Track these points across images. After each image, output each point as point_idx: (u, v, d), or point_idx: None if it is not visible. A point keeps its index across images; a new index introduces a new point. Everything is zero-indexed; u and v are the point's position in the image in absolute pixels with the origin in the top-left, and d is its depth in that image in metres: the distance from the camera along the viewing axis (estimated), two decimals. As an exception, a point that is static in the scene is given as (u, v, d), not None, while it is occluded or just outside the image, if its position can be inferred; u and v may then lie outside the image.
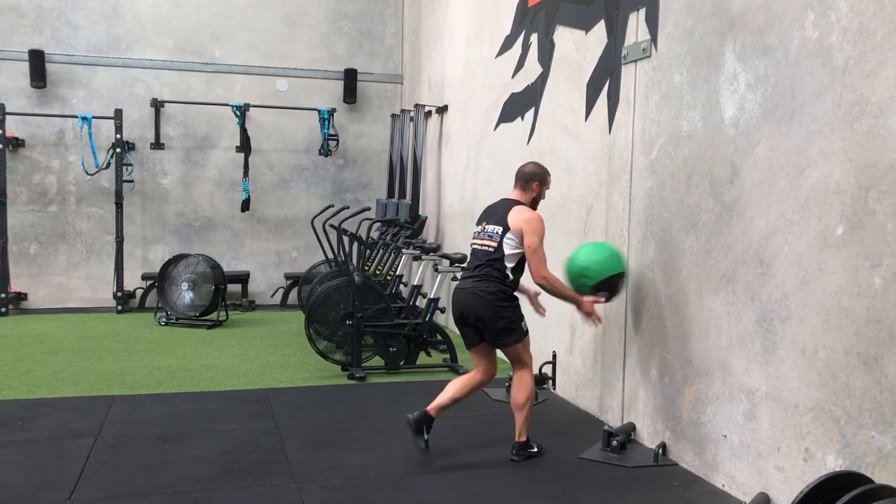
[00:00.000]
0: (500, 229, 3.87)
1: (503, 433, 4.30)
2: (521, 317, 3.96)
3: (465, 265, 4.14)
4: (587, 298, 4.02)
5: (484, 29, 6.83)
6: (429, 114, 8.47)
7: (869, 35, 2.79)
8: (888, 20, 2.71)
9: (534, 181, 3.99)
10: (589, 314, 4.06)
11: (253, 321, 8.16)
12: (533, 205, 4.02)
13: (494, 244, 3.87)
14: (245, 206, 8.98)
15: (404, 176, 8.64)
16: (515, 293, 3.94)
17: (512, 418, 3.99)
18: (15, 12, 8.47)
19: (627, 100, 4.38)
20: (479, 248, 3.95)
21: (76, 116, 8.44)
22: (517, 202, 3.96)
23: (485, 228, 3.96)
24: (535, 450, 4.00)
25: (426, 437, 3.88)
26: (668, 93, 4.01)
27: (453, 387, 3.99)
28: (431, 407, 3.92)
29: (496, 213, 3.96)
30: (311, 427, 4.46)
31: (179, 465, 3.78)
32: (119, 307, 8.54)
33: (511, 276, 3.88)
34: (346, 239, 6.48)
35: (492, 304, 3.83)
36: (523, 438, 3.96)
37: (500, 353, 4.07)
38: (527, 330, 3.98)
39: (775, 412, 3.24)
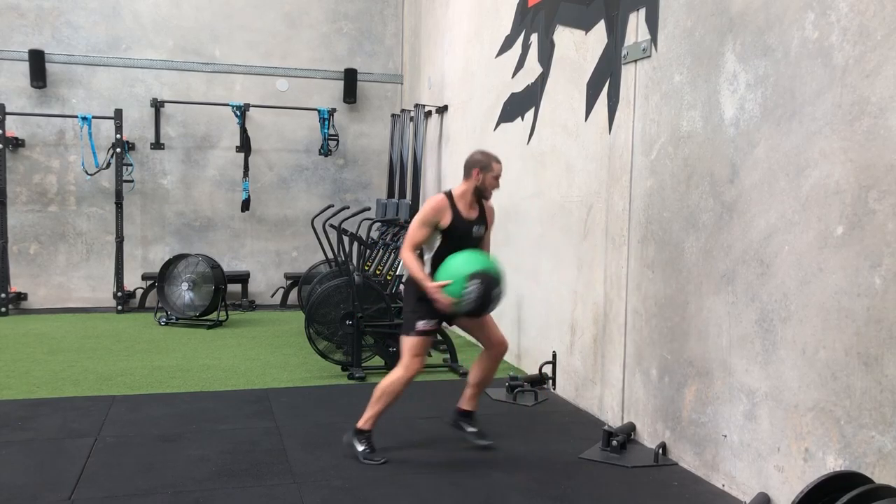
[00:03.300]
0: None
1: (504, 433, 4.30)
2: (417, 311, 3.81)
3: None
4: (432, 284, 3.72)
5: (484, 29, 6.83)
6: (429, 114, 8.47)
7: (869, 35, 2.79)
8: (888, 20, 2.72)
9: (473, 168, 3.88)
10: (435, 299, 3.74)
11: (253, 321, 8.16)
12: (481, 194, 3.91)
13: None
14: (245, 206, 8.98)
15: (404, 176, 8.64)
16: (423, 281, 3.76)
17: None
18: (15, 12, 8.47)
19: (627, 100, 4.38)
20: None
21: (76, 116, 8.44)
22: (443, 192, 3.94)
23: None
24: (364, 448, 3.90)
25: (472, 429, 4.08)
26: (668, 93, 4.01)
27: (476, 373, 4.08)
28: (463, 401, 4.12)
29: None
30: (311, 427, 4.46)
31: (179, 465, 3.78)
32: (119, 307, 8.54)
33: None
34: (346, 239, 6.48)
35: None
36: (364, 426, 3.93)
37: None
38: (418, 331, 3.82)
39: (775, 412, 3.24)
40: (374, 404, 3.90)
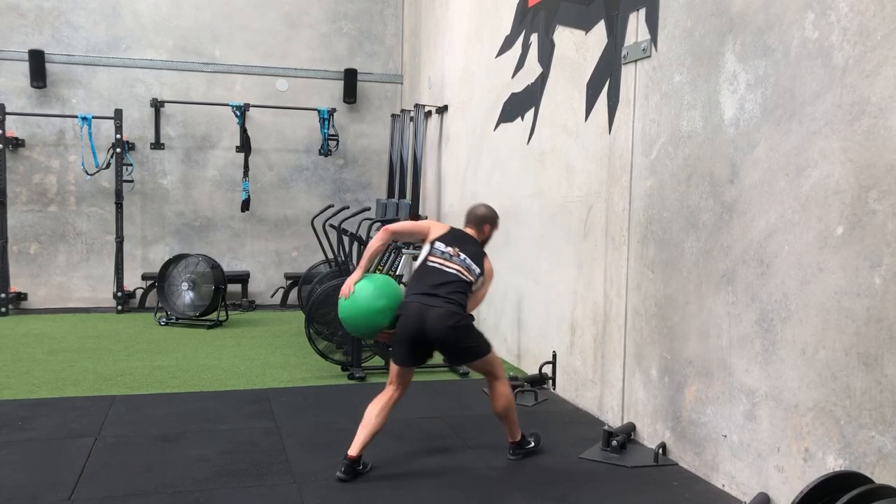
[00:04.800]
0: (478, 271, 3.90)
1: (504, 433, 4.30)
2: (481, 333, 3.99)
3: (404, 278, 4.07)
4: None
5: (484, 29, 6.83)
6: (429, 114, 8.47)
7: (869, 35, 2.79)
8: (888, 20, 2.72)
9: (486, 224, 4.08)
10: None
11: (253, 321, 8.16)
12: (483, 245, 4.08)
13: (472, 279, 3.85)
14: (245, 206, 8.98)
15: (404, 176, 8.64)
16: None
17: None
18: (15, 12, 8.47)
19: (627, 100, 4.38)
20: (451, 271, 3.82)
21: (76, 116, 8.43)
22: (482, 246, 4.04)
23: (459, 255, 3.86)
24: (532, 444, 4.07)
25: (361, 468, 3.76)
26: (668, 93, 4.01)
27: (376, 418, 3.73)
28: (354, 449, 3.66)
29: (469, 247, 3.94)
30: (311, 427, 4.46)
31: (179, 465, 3.78)
32: (119, 307, 8.54)
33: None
34: (346, 239, 6.48)
35: (462, 326, 3.71)
36: (517, 437, 4.01)
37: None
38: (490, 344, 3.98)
39: (775, 412, 3.24)
40: (507, 419, 3.95)
